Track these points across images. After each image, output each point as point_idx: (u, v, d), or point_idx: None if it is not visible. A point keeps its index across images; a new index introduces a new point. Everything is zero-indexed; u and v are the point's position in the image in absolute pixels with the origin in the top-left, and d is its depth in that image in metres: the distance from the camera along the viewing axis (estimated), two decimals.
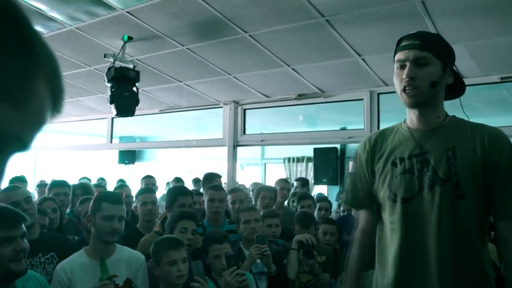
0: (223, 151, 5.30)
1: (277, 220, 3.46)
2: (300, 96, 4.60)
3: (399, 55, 1.59)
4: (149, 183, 4.82)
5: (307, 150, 8.21)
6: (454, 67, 1.64)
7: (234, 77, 4.36)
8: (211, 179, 4.21)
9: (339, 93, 4.36)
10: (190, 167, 10.14)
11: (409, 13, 2.88)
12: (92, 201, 2.40)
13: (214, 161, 8.77)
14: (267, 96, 4.79)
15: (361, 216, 1.86)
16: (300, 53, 3.68)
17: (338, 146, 8.00)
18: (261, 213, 3.42)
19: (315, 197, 4.73)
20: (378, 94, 4.29)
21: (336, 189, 7.58)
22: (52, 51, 0.50)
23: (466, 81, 3.70)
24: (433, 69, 1.54)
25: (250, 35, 3.47)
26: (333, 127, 6.92)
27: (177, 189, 3.53)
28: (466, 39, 3.10)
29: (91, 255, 2.30)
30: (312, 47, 3.55)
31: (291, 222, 4.06)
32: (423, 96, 1.55)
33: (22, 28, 0.49)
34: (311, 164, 8.37)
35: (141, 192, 3.46)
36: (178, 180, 5.39)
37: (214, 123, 6.65)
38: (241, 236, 3.24)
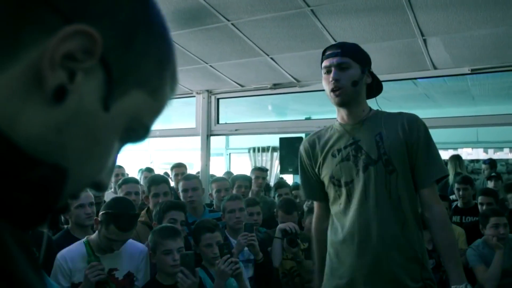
0: (188, 141, 5.17)
1: (258, 208, 3.50)
2: (275, 86, 4.62)
3: (325, 63, 1.87)
4: (119, 173, 4.71)
5: (272, 140, 8.25)
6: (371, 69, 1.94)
7: (210, 65, 4.31)
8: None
9: (315, 83, 4.40)
10: (152, 158, 9.99)
11: (393, 5, 2.95)
12: (104, 210, 2.33)
13: (178, 152, 8.67)
14: (241, 86, 4.77)
15: (316, 206, 2.15)
16: (281, 42, 3.69)
17: (303, 135, 8.09)
18: None
19: None
20: None
21: None
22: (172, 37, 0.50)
23: (439, 72, 3.87)
24: (353, 71, 1.83)
25: (232, 24, 3.45)
26: (298, 117, 7.01)
27: (150, 179, 3.50)
28: (443, 32, 3.22)
29: (94, 249, 2.28)
30: (293, 37, 3.57)
31: (268, 210, 4.11)
32: (347, 95, 1.83)
33: (162, 16, 0.48)
34: (276, 154, 8.43)
35: (124, 182, 3.38)
36: (149, 170, 5.29)
37: (179, 113, 6.52)
38: (226, 225, 3.24)
